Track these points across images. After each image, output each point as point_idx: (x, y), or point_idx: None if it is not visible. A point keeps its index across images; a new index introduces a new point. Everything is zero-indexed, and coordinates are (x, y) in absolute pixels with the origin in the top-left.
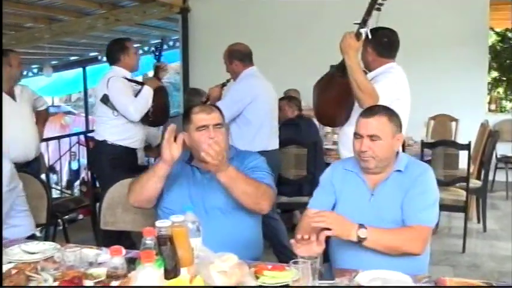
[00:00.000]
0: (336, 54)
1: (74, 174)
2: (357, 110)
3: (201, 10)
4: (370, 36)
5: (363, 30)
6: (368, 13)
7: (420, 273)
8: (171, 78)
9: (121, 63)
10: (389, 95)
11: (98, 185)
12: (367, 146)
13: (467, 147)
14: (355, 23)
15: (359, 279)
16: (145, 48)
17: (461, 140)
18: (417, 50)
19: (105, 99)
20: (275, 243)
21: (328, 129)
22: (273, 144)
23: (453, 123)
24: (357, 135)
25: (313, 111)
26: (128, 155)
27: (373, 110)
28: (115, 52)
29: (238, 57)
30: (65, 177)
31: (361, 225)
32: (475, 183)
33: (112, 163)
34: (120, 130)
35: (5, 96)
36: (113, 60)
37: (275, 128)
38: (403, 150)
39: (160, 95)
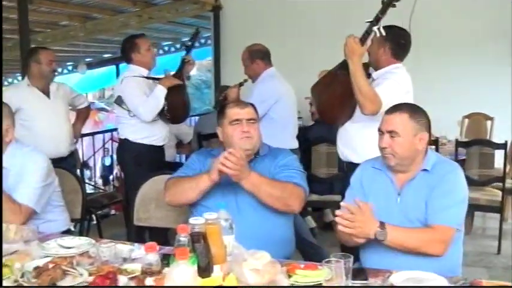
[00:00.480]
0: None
1: (107, 170)
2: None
3: (233, 8)
4: (383, 34)
5: (375, 28)
6: (383, 11)
7: (453, 274)
8: (202, 76)
9: (134, 61)
10: (391, 97)
11: None
12: (386, 143)
13: (503, 146)
14: (367, 21)
15: (393, 280)
16: (177, 46)
17: (497, 139)
18: (450, 47)
19: (119, 101)
20: (299, 240)
21: None
22: (294, 143)
23: (488, 122)
24: (379, 131)
25: (316, 108)
26: (151, 152)
27: (396, 107)
28: (126, 51)
29: (260, 56)
30: (98, 173)
31: (381, 224)
32: (511, 183)
33: (136, 160)
34: (138, 129)
35: (38, 94)
36: (126, 59)
37: (296, 127)
38: (437, 150)
39: (177, 92)
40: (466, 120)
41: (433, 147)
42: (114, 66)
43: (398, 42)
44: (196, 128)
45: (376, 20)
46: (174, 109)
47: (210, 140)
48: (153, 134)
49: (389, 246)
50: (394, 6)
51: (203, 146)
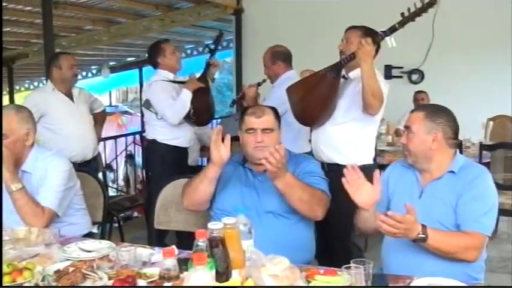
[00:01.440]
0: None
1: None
2: (341, 110)
3: (255, 11)
4: (394, 45)
5: (388, 38)
6: (403, 24)
7: (475, 280)
8: (224, 78)
9: (160, 65)
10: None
11: None
12: (404, 139)
13: None
14: (382, 31)
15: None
16: (200, 49)
17: None
18: (476, 49)
19: (148, 104)
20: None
21: (383, 129)
22: (308, 147)
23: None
24: (398, 133)
25: (291, 107)
26: (177, 153)
27: (420, 106)
28: (152, 56)
29: (282, 58)
30: (121, 176)
31: (423, 227)
32: None
33: (162, 160)
34: (167, 130)
35: (63, 98)
36: (153, 64)
37: (309, 131)
38: (460, 153)
39: (202, 95)
40: (491, 122)
41: (457, 150)
42: (137, 70)
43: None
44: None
45: (391, 31)
46: (200, 112)
47: (231, 144)
48: (179, 135)
49: (426, 247)
50: (414, 20)
51: None
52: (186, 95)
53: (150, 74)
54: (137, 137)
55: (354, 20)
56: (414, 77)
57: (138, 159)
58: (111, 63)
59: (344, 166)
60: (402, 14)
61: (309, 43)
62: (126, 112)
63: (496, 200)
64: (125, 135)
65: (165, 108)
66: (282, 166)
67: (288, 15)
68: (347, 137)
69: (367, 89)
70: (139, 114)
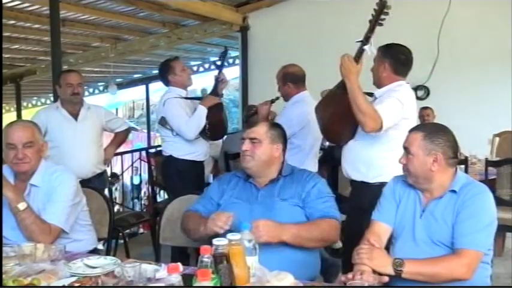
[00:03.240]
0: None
1: (136, 189)
2: (359, 127)
3: (261, 28)
4: (374, 52)
5: (366, 47)
6: (371, 30)
7: None
8: (230, 95)
9: (172, 83)
10: (393, 115)
11: (158, 199)
12: (404, 159)
13: None
14: (357, 41)
15: None
16: (206, 66)
17: None
18: (481, 65)
19: (163, 122)
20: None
21: None
22: (315, 167)
23: None
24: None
25: (320, 127)
26: (194, 167)
27: (418, 126)
28: (163, 75)
29: (293, 80)
30: (126, 192)
31: (396, 259)
32: None
33: (181, 176)
34: (182, 146)
35: (66, 116)
36: (164, 82)
37: (318, 152)
38: (466, 169)
39: (217, 110)
40: (497, 138)
41: (462, 166)
42: (144, 86)
43: (397, 58)
44: (224, 147)
45: (366, 39)
46: (214, 127)
47: (237, 160)
48: (195, 150)
49: (410, 277)
50: (381, 24)
51: (230, 165)
52: (203, 111)
53: (158, 91)
54: (143, 153)
55: (360, 36)
56: (420, 93)
57: (144, 175)
58: (118, 79)
59: (365, 184)
60: (370, 20)
61: (314, 60)
62: (132, 128)
63: (494, 218)
64: (131, 152)
65: (182, 125)
66: (273, 230)
67: (293, 32)
68: (365, 154)
69: (353, 106)
70: (146, 131)
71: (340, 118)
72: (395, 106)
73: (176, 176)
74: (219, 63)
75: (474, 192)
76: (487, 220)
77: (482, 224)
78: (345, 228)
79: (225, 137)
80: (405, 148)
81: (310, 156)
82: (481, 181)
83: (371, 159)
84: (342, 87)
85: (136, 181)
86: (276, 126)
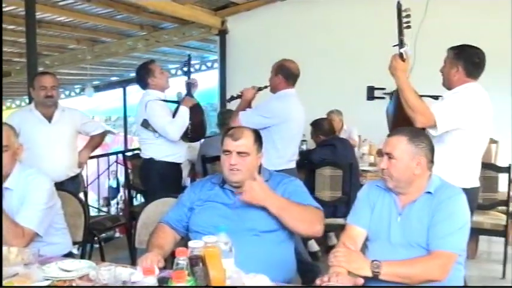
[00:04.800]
0: (378, 75)
1: (112, 193)
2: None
3: (239, 32)
4: (409, 54)
5: (402, 50)
6: (400, 33)
7: None
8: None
9: (151, 85)
10: (450, 114)
11: (135, 203)
12: (385, 165)
13: (507, 170)
14: (394, 45)
15: None
16: (185, 69)
17: (502, 162)
18: None
19: (146, 124)
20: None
21: (365, 150)
22: (291, 164)
23: (493, 146)
24: (381, 153)
25: (389, 130)
26: (174, 170)
27: (398, 130)
28: (142, 77)
29: (285, 74)
30: (102, 196)
31: (374, 260)
32: None
33: (161, 178)
34: (163, 148)
35: (39, 118)
36: (142, 84)
37: (296, 151)
38: None
39: (196, 112)
40: None
41: None
42: (121, 90)
43: (472, 61)
44: (201, 150)
45: (400, 42)
46: (196, 128)
47: (214, 163)
48: (176, 152)
49: (387, 279)
50: (409, 27)
51: (207, 169)
52: (185, 112)
53: (137, 93)
54: (120, 156)
55: (337, 40)
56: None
57: (121, 179)
58: (95, 82)
59: None
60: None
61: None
62: (109, 132)
63: (468, 220)
64: (108, 155)
65: (166, 126)
66: (267, 192)
67: (272, 36)
68: None
69: (403, 102)
70: (123, 134)
71: (404, 117)
72: (453, 105)
73: (156, 178)
74: (185, 69)
75: (448, 195)
76: (461, 222)
77: (457, 226)
78: None
79: (202, 140)
80: (387, 153)
81: (284, 154)
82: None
83: (440, 163)
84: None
85: (113, 184)
86: (257, 132)
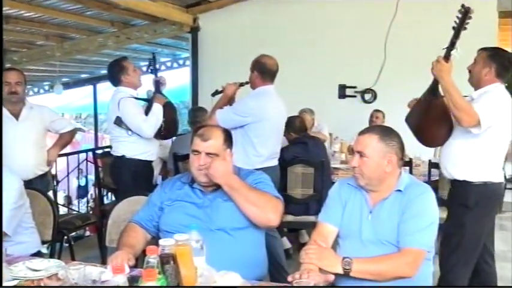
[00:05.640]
0: (346, 74)
1: (82, 191)
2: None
3: (211, 29)
4: (457, 56)
5: (454, 52)
6: (456, 36)
7: None
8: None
9: (123, 83)
10: (491, 113)
11: (105, 201)
12: (356, 163)
13: None
14: (444, 48)
15: None
16: (156, 66)
17: None
18: (427, 70)
19: (119, 122)
20: (271, 261)
21: (337, 147)
22: (272, 162)
23: None
24: (352, 151)
25: (414, 135)
26: (146, 167)
27: (369, 128)
28: (114, 74)
29: (260, 70)
30: (72, 194)
31: (345, 258)
32: None
33: (133, 176)
34: (136, 146)
35: (6, 115)
36: (115, 81)
37: (276, 149)
38: (411, 171)
39: (169, 109)
40: None
41: (407, 168)
42: (91, 87)
43: (503, 64)
44: (172, 148)
45: (452, 45)
46: (168, 125)
47: (186, 161)
48: (148, 149)
49: (357, 276)
50: (465, 28)
51: (179, 167)
52: (159, 109)
53: (107, 91)
54: (90, 154)
55: (313, 36)
56: (367, 96)
57: (90, 177)
58: (64, 79)
59: (469, 183)
60: (453, 27)
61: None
62: (79, 129)
63: (436, 217)
64: (77, 153)
65: (141, 123)
66: (227, 171)
67: (245, 34)
68: (463, 151)
69: (450, 102)
70: (93, 132)
71: (434, 121)
72: (493, 104)
73: (128, 176)
74: (151, 68)
75: (418, 192)
76: (429, 219)
77: (425, 223)
78: (444, 228)
79: (174, 138)
80: (358, 151)
81: (262, 153)
82: (424, 182)
83: (472, 158)
84: (430, 92)
85: (82, 183)
86: (227, 132)
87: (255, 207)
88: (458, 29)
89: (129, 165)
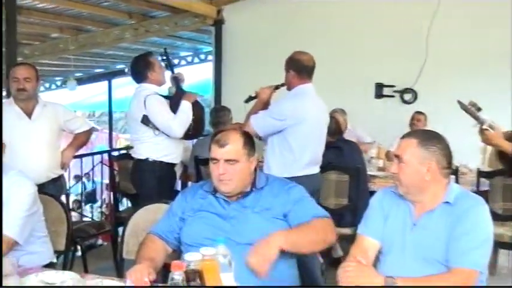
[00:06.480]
0: (383, 72)
1: (90, 196)
2: None
3: (237, 23)
4: (495, 124)
5: (486, 126)
6: (476, 118)
7: None
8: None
9: (149, 79)
10: None
11: (120, 208)
12: (394, 169)
13: None
14: (474, 126)
15: None
16: (175, 61)
17: None
18: (472, 68)
19: (146, 121)
20: (303, 279)
21: (373, 153)
22: (314, 169)
23: None
24: (391, 156)
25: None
26: (169, 171)
27: (411, 132)
28: (141, 70)
29: (296, 68)
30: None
31: (388, 277)
32: None
33: (158, 180)
34: (162, 147)
35: (18, 113)
36: (140, 78)
37: (318, 153)
38: (457, 180)
39: (197, 107)
40: (489, 147)
41: (453, 177)
42: (106, 83)
43: None
44: (194, 151)
45: (480, 121)
46: (196, 124)
47: (208, 165)
48: (172, 151)
49: None
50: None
51: (201, 171)
52: (188, 107)
53: (122, 87)
54: (105, 156)
55: (345, 33)
56: (407, 96)
57: (97, 180)
58: (78, 74)
59: None
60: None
61: (287, 52)
62: (93, 129)
63: (491, 234)
64: (92, 154)
65: (170, 121)
66: (268, 248)
67: (273, 27)
68: None
69: None
70: (107, 131)
71: None
72: None
73: (153, 180)
74: (166, 64)
75: (470, 205)
76: (483, 236)
77: (479, 240)
78: None
79: (195, 140)
80: (396, 156)
81: (303, 158)
82: (473, 192)
83: None
84: None
85: (89, 186)
86: (247, 135)
87: (319, 243)
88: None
89: (153, 169)
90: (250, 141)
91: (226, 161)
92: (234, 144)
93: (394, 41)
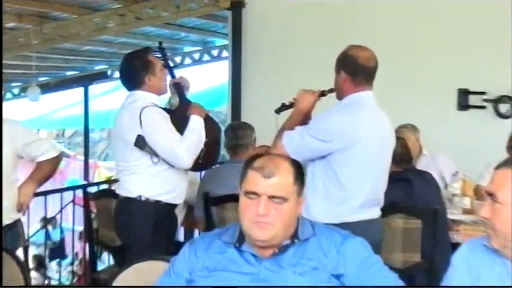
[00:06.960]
0: (469, 75)
1: (57, 249)
2: None
3: (262, 4)
4: None
5: None
6: None
7: None
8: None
9: (145, 86)
10: None
11: (99, 267)
12: (485, 212)
13: None
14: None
15: None
16: (177, 60)
17: None
18: None
19: (141, 143)
20: None
21: (457, 188)
22: (373, 212)
23: None
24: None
25: None
26: (169, 215)
27: (508, 160)
28: (136, 73)
29: (350, 68)
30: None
31: None
32: None
33: (154, 226)
34: (160, 180)
35: None
36: (133, 83)
37: (379, 190)
38: None
39: (209, 125)
40: None
41: None
42: (81, 89)
43: None
44: (202, 186)
45: None
46: (210, 149)
47: (222, 206)
48: (175, 187)
49: None
50: None
51: (212, 215)
52: (200, 124)
53: (103, 95)
54: (78, 193)
55: (411, 21)
56: (503, 107)
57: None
58: (42, 78)
59: None
60: None
61: (329, 46)
62: (64, 154)
63: None
64: (60, 191)
65: (175, 145)
66: None
67: (313, 11)
68: None
69: None
70: (82, 158)
71: None
72: None
73: (146, 227)
74: (163, 65)
75: None
76: None
77: None
78: None
79: (203, 171)
80: (490, 194)
81: (358, 197)
82: None
83: None
84: None
85: (55, 236)
86: (298, 166)
87: None
88: None
89: (147, 212)
90: (301, 175)
91: (271, 197)
92: (284, 177)
93: (482, 34)
